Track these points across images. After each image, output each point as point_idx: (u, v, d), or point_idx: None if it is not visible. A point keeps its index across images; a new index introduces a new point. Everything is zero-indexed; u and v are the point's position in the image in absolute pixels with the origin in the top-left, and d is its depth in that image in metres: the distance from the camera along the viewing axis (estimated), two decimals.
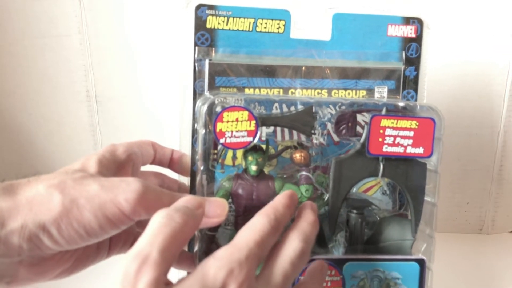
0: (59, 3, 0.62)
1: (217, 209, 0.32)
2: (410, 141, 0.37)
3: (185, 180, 0.41)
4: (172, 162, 0.40)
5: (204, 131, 0.35)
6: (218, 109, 0.36)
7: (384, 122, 0.36)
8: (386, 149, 0.37)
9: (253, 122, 0.35)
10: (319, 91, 0.42)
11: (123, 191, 0.28)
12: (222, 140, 0.34)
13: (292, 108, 0.40)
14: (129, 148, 0.36)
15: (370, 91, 0.43)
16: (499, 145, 0.64)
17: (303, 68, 0.42)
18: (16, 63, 0.64)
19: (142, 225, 0.39)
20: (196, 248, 0.37)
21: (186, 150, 0.40)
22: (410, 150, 0.37)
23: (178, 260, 0.37)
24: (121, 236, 0.35)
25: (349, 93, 0.42)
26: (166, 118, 0.66)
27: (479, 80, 0.61)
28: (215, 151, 0.38)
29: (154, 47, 0.64)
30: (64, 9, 0.62)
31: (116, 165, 0.34)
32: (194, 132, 0.40)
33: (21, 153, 0.68)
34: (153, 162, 0.39)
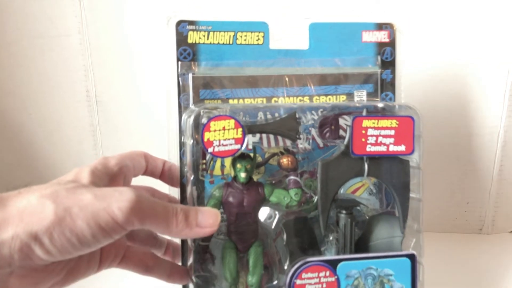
0: (59, 3, 0.62)
1: (209, 219, 0.33)
2: (392, 140, 0.38)
3: (175, 194, 0.41)
4: (163, 173, 0.40)
5: (192, 142, 0.36)
6: (204, 120, 0.37)
7: (366, 123, 0.38)
8: (370, 148, 0.38)
9: (240, 129, 0.35)
10: (301, 98, 0.43)
11: (116, 200, 0.29)
12: (210, 149, 0.35)
13: (276, 115, 0.41)
14: (121, 160, 0.36)
15: (350, 96, 0.44)
16: (499, 145, 0.65)
17: (284, 77, 0.43)
18: (16, 63, 0.64)
19: (133, 238, 0.39)
20: (190, 260, 0.37)
21: (174, 162, 0.41)
22: (392, 148, 0.38)
23: (169, 274, 0.37)
24: (111, 249, 0.35)
25: (329, 99, 0.44)
26: (166, 118, 0.65)
27: (479, 80, 0.63)
28: (204, 161, 0.38)
29: (154, 46, 0.64)
30: (64, 9, 0.62)
31: (109, 177, 0.34)
32: (182, 145, 0.40)
33: (21, 153, 0.67)
34: (145, 173, 0.39)
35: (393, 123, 0.38)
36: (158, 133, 0.65)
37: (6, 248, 0.26)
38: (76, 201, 0.28)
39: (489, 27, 0.61)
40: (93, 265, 0.34)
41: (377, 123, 0.38)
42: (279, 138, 0.42)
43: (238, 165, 0.37)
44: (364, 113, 0.38)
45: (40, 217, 0.27)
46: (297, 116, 0.38)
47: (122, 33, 0.64)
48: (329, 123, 0.39)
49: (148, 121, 0.67)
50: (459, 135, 0.64)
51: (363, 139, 0.38)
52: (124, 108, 0.66)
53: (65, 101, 0.66)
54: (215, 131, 0.35)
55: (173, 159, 0.41)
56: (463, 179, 0.67)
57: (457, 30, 0.61)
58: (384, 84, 0.45)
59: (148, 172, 0.39)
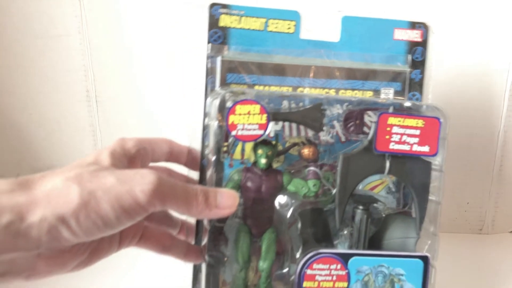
0: (59, 3, 0.62)
1: (228, 201, 0.33)
2: (416, 140, 0.38)
3: (194, 175, 0.42)
4: (188, 160, 0.40)
5: (216, 124, 0.36)
6: (229, 103, 0.37)
7: (392, 120, 0.37)
8: (393, 146, 0.37)
9: (265, 115, 0.35)
10: (327, 90, 0.43)
11: (139, 183, 0.29)
12: (234, 132, 0.35)
13: (301, 105, 0.41)
14: (139, 143, 0.37)
15: (377, 92, 0.44)
16: (499, 145, 0.65)
17: (312, 67, 0.43)
18: (16, 63, 0.64)
19: (149, 218, 0.39)
20: (205, 240, 0.37)
21: (197, 144, 0.41)
22: (416, 148, 0.38)
23: (186, 253, 0.38)
24: (130, 229, 0.36)
25: (356, 93, 0.43)
26: (166, 118, 0.66)
27: (479, 80, 0.62)
28: (226, 144, 0.38)
29: (154, 47, 0.65)
30: (64, 9, 0.63)
31: (127, 159, 0.35)
32: (205, 127, 0.41)
33: (21, 153, 0.68)
34: (170, 159, 0.40)
35: (419, 123, 0.38)
36: (158, 133, 0.66)
37: (34, 230, 0.27)
38: (100, 184, 0.29)
39: None
40: (114, 245, 0.34)
41: (403, 122, 0.37)
42: (301, 128, 0.42)
43: (260, 151, 0.37)
44: (390, 110, 0.38)
45: (66, 200, 0.27)
46: (322, 107, 0.38)
47: (122, 33, 0.64)
48: (354, 117, 0.39)
49: (148, 121, 0.67)
50: (460, 135, 0.64)
51: (387, 136, 0.37)
52: (124, 108, 0.67)
53: (65, 101, 0.66)
54: (240, 114, 0.35)
55: (195, 140, 0.41)
56: (463, 179, 0.66)
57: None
58: (412, 83, 0.44)
59: (172, 158, 0.40)
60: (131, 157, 0.35)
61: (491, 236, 0.68)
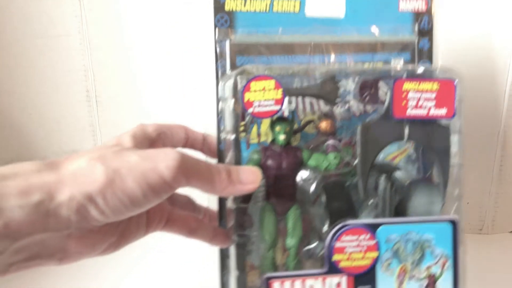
0: (59, 3, 0.63)
1: (250, 175, 0.33)
2: (433, 103, 0.38)
3: (212, 161, 0.42)
4: (203, 146, 0.40)
5: (232, 104, 0.36)
6: (244, 81, 0.37)
7: (407, 85, 0.37)
8: (410, 111, 0.37)
9: (280, 90, 0.35)
10: (338, 66, 0.43)
11: (163, 160, 0.29)
12: (250, 110, 0.35)
13: (312, 82, 0.41)
14: (159, 128, 0.37)
15: (387, 64, 0.44)
16: (499, 145, 0.65)
17: (321, 45, 0.43)
18: (16, 63, 0.64)
19: (173, 204, 0.39)
20: (231, 222, 0.37)
21: (211, 129, 0.41)
22: (433, 111, 0.38)
23: (212, 236, 0.38)
24: (156, 213, 0.36)
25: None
26: (166, 118, 0.66)
27: (479, 80, 0.62)
28: (243, 123, 0.38)
29: (154, 46, 0.65)
30: (64, 9, 0.63)
31: (148, 141, 0.35)
32: (219, 111, 0.40)
33: (21, 153, 0.68)
34: (186, 145, 0.40)
35: (435, 85, 0.37)
36: None
37: (64, 209, 0.27)
38: (124, 162, 0.29)
39: None
40: (141, 228, 0.34)
41: (418, 86, 0.37)
42: (315, 105, 0.42)
43: (277, 128, 0.37)
44: (404, 75, 0.38)
45: (92, 178, 0.27)
46: (336, 79, 0.38)
47: (122, 33, 0.64)
48: (369, 86, 0.38)
49: (148, 121, 0.66)
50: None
51: (404, 102, 0.37)
52: (124, 108, 0.67)
53: (65, 101, 0.66)
54: (255, 91, 0.35)
55: (210, 125, 0.41)
56: (463, 179, 0.66)
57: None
58: (421, 53, 0.44)
59: (188, 144, 0.40)
60: (152, 141, 0.35)
61: (491, 236, 0.68)
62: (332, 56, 0.43)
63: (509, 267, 0.57)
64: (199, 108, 0.65)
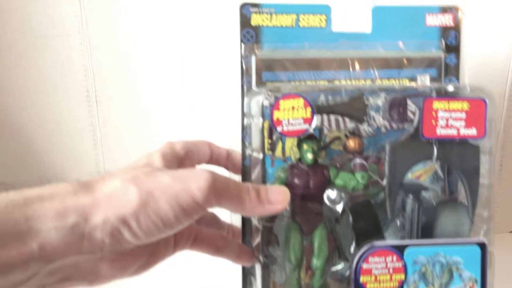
0: (59, 3, 0.62)
1: (279, 195, 0.33)
2: (463, 123, 0.37)
3: (236, 177, 0.41)
4: (227, 162, 0.40)
5: (260, 122, 0.36)
6: (271, 99, 0.36)
7: (436, 105, 0.37)
8: (440, 131, 0.37)
9: (309, 109, 0.35)
10: (363, 81, 0.42)
11: (194, 181, 0.29)
12: (279, 128, 0.35)
13: (338, 99, 0.41)
14: (186, 145, 0.37)
15: (413, 80, 0.43)
16: (499, 145, 0.64)
17: (347, 60, 0.42)
18: (16, 63, 0.64)
19: (199, 221, 0.39)
20: (256, 241, 0.37)
21: (236, 146, 0.41)
22: (463, 131, 0.37)
23: (238, 254, 0.37)
24: (184, 232, 0.35)
25: (392, 83, 0.43)
26: (166, 118, 0.66)
27: (479, 80, 0.61)
28: (270, 141, 0.38)
29: (154, 46, 0.64)
30: (64, 9, 0.62)
31: (177, 160, 0.35)
32: (244, 127, 0.40)
33: (21, 153, 0.67)
34: (210, 161, 0.40)
35: (465, 105, 0.37)
36: (158, 133, 0.66)
37: (98, 232, 0.27)
38: (156, 184, 0.29)
39: None
40: (169, 248, 0.34)
41: (448, 105, 0.37)
42: (340, 121, 0.41)
43: (305, 146, 0.37)
44: (433, 94, 0.37)
45: (126, 200, 0.27)
46: (365, 97, 0.37)
47: (122, 33, 0.64)
48: (397, 105, 0.38)
49: (148, 121, 0.67)
50: None
51: (433, 122, 0.37)
52: (124, 108, 0.66)
53: (65, 101, 0.66)
54: (284, 110, 0.35)
55: (235, 141, 0.41)
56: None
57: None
58: (448, 68, 0.44)
59: (213, 160, 0.40)
60: (181, 159, 0.35)
61: None
62: (359, 72, 0.42)
63: (509, 267, 0.56)
64: (200, 110, 0.65)
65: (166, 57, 0.64)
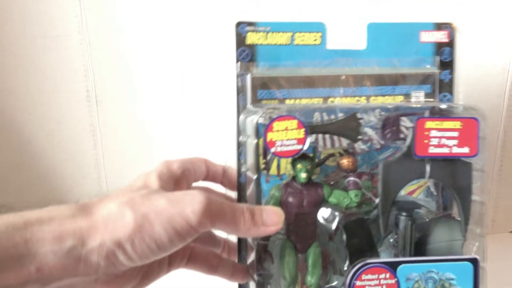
0: (59, 3, 0.62)
1: (274, 217, 0.33)
2: (455, 142, 0.37)
3: (232, 194, 0.42)
4: (223, 178, 0.41)
5: (255, 142, 0.36)
6: (264, 120, 0.37)
7: (429, 124, 0.37)
8: (432, 150, 0.37)
9: (302, 130, 0.35)
10: (358, 98, 0.43)
11: (189, 204, 0.30)
12: (273, 149, 0.35)
13: (332, 116, 0.41)
14: (183, 164, 0.37)
15: (407, 96, 0.44)
16: (499, 145, 0.64)
17: (341, 77, 0.43)
18: (16, 63, 0.64)
19: (196, 238, 0.40)
20: (250, 259, 0.37)
21: (232, 163, 0.41)
22: (455, 150, 0.37)
23: (232, 272, 0.38)
24: (178, 252, 0.36)
25: (387, 99, 0.43)
26: (166, 118, 0.66)
27: (479, 80, 0.62)
28: (264, 161, 0.39)
29: (154, 47, 0.64)
30: (64, 9, 0.63)
31: (174, 180, 0.35)
32: (239, 144, 0.41)
33: (21, 153, 0.68)
34: (206, 178, 0.40)
35: (457, 124, 0.37)
36: (158, 133, 0.66)
37: (94, 255, 0.27)
38: (152, 207, 0.29)
39: None
40: (163, 268, 0.35)
41: (441, 125, 0.37)
42: (335, 139, 0.42)
43: (299, 165, 0.37)
44: (426, 114, 0.38)
45: (122, 224, 0.28)
46: (358, 116, 0.38)
47: (122, 33, 0.64)
48: (391, 123, 0.38)
49: (148, 121, 0.67)
50: None
51: (426, 141, 0.37)
52: (124, 108, 0.66)
53: (65, 101, 0.66)
54: (278, 131, 0.35)
55: (230, 158, 0.42)
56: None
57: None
58: (442, 85, 0.44)
59: (209, 177, 0.40)
60: (178, 179, 0.35)
61: (491, 236, 0.67)
62: (353, 89, 0.43)
63: (509, 267, 0.57)
64: (198, 110, 0.65)
65: (167, 57, 0.64)
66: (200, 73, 0.64)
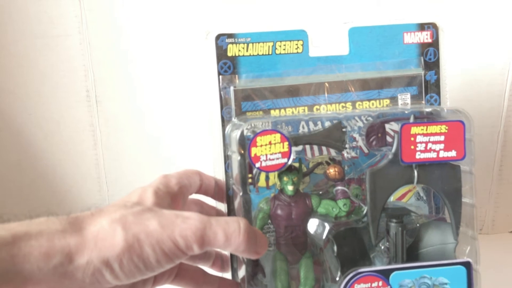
0: (59, 3, 0.62)
1: (264, 246, 0.33)
2: (442, 146, 0.37)
3: (222, 207, 0.42)
4: (214, 191, 0.41)
5: (239, 157, 0.36)
6: (249, 134, 0.37)
7: (414, 130, 0.37)
8: (419, 156, 0.37)
9: (286, 143, 0.35)
10: (343, 104, 0.43)
11: (179, 228, 0.30)
12: (258, 164, 0.35)
13: (319, 125, 0.41)
14: (180, 180, 0.37)
15: (393, 99, 0.43)
16: (499, 145, 0.64)
17: (325, 84, 0.42)
18: (16, 63, 0.64)
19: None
20: (241, 272, 0.37)
21: (220, 176, 0.41)
22: (442, 154, 0.37)
23: None
24: (165, 271, 0.36)
25: (373, 103, 0.43)
26: (166, 118, 0.66)
27: (479, 80, 0.61)
28: (251, 175, 0.38)
29: (154, 46, 0.64)
30: (64, 9, 0.62)
31: (170, 196, 0.35)
32: (226, 157, 0.40)
33: (21, 153, 0.68)
34: (199, 191, 0.40)
35: (443, 128, 0.37)
36: (158, 133, 0.66)
37: (80, 272, 0.27)
38: (143, 227, 0.29)
39: None
40: (148, 284, 0.35)
41: (426, 129, 0.37)
42: (324, 148, 0.42)
43: (285, 178, 0.37)
44: (411, 119, 0.37)
45: (111, 243, 0.28)
46: (342, 125, 0.37)
47: (122, 33, 0.63)
48: (375, 131, 0.38)
49: (148, 121, 0.67)
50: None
51: (412, 147, 0.37)
52: (124, 108, 0.66)
53: (65, 101, 0.65)
54: (261, 146, 0.35)
55: (218, 172, 0.41)
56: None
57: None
58: (429, 85, 0.44)
59: (202, 190, 0.40)
60: (174, 195, 0.35)
61: (491, 236, 0.68)
62: (338, 95, 0.42)
63: (509, 267, 0.57)
64: (196, 106, 0.65)
65: (166, 57, 0.64)
66: (196, 75, 0.64)
